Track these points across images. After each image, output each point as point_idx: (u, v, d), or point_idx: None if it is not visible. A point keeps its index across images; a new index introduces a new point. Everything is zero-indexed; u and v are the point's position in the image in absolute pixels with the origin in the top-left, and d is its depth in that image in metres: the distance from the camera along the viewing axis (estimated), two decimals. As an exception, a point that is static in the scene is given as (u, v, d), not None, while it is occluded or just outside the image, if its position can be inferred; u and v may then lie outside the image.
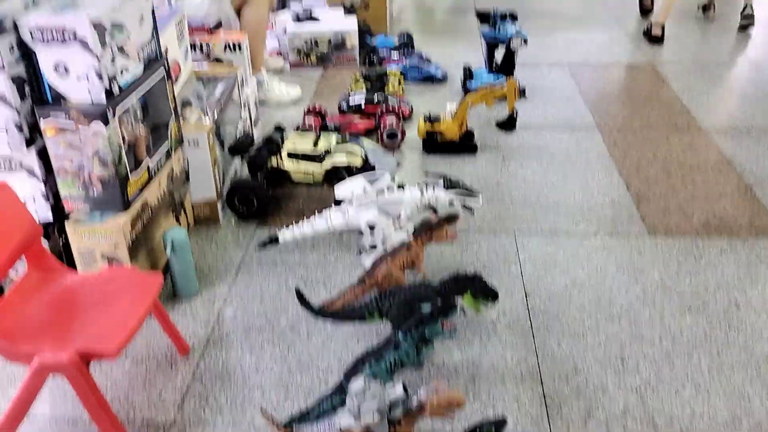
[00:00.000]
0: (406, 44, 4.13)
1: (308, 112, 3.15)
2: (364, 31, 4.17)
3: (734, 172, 2.80)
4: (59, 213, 1.94)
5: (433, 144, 2.99)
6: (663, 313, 2.01)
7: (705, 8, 4.88)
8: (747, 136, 3.12)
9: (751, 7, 4.62)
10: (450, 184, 2.17)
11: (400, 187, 2.17)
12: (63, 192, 1.88)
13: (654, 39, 4.37)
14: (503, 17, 3.57)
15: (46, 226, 1.90)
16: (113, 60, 1.80)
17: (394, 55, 3.99)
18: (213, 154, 2.40)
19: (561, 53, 4.21)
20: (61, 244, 1.97)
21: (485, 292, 1.84)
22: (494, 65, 3.63)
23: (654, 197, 2.63)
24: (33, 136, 1.82)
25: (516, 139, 3.10)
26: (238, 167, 2.75)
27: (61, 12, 1.73)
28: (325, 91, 3.70)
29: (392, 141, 3.03)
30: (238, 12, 3.39)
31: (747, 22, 4.62)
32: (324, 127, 3.07)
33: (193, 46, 2.90)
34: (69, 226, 1.89)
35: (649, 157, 2.93)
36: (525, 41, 3.45)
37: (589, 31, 4.66)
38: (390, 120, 3.04)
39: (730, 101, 3.56)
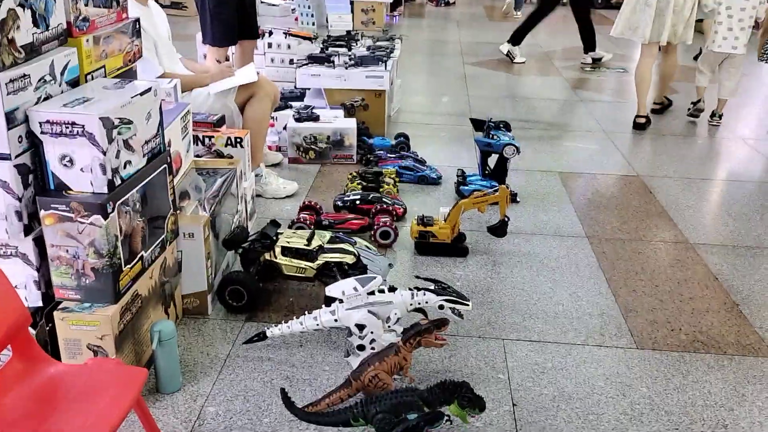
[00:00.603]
0: (403, 145, 4.25)
1: (303, 207, 3.21)
2: (363, 131, 4.30)
3: (721, 289, 2.84)
4: (49, 300, 1.94)
5: (425, 245, 3.03)
6: (651, 431, 1.99)
7: (695, 103, 5.35)
8: (733, 252, 3.18)
9: (703, 101, 5.28)
10: (441, 290, 2.19)
11: (391, 289, 2.19)
12: (55, 280, 1.89)
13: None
14: (497, 126, 3.70)
15: (34, 313, 1.89)
16: (118, 154, 1.86)
17: (391, 155, 4.10)
18: (207, 246, 2.42)
19: (552, 161, 4.34)
20: (47, 331, 1.96)
21: (473, 402, 1.82)
22: (487, 171, 3.73)
23: (642, 310, 2.65)
24: (32, 224, 1.84)
25: (507, 245, 3.14)
26: (231, 260, 2.77)
27: (72, 107, 1.79)
28: (322, 186, 3.78)
29: (385, 240, 3.07)
30: (242, 108, 3.50)
31: (696, 112, 5.33)
32: (318, 224, 3.11)
33: (195, 139, 2.98)
34: (57, 315, 1.88)
35: (637, 269, 2.97)
36: (518, 150, 3.56)
37: (579, 141, 4.82)
38: (384, 219, 3.09)
39: (716, 217, 3.64)
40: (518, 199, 3.67)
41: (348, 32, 5.29)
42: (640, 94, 5.07)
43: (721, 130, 5.13)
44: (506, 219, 3.09)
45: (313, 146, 4.08)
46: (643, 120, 5.04)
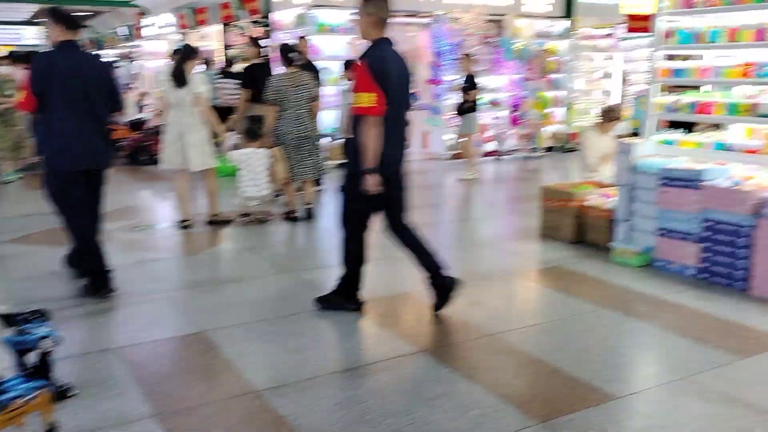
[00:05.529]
0: None
1: None
2: None
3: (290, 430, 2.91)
4: None
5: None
6: None
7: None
8: (295, 388, 3.32)
9: None
10: None
11: None
12: None
13: None
14: (28, 319, 3.27)
15: None
16: None
17: None
18: None
19: (110, 336, 4.05)
20: None
21: None
22: (29, 370, 3.24)
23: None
24: None
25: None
26: None
27: None
28: None
29: None
30: None
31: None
32: None
33: None
34: None
35: (208, 438, 2.88)
36: (57, 340, 3.19)
37: (139, 306, 4.58)
38: None
39: (275, 356, 3.77)
40: (75, 392, 3.27)
41: None
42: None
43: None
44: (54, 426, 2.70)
45: None
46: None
